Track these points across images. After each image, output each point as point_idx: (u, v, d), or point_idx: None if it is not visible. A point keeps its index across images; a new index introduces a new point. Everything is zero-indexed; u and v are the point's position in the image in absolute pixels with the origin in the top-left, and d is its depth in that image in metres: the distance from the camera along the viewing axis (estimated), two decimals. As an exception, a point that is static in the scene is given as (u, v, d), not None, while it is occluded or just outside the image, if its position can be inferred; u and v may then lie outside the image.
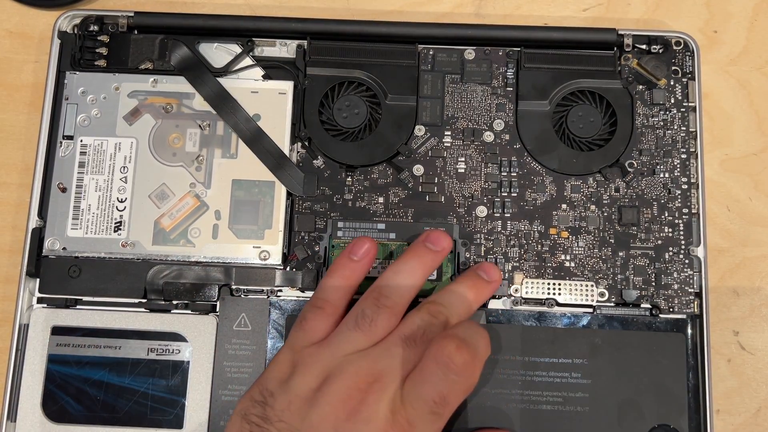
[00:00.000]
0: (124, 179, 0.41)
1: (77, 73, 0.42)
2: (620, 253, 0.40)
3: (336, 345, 0.35)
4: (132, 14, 0.43)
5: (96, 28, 0.43)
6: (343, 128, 0.42)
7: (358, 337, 0.35)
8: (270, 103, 0.42)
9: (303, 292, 0.40)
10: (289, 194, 0.41)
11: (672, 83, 0.42)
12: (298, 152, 0.42)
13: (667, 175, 0.41)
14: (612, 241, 0.41)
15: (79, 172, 0.41)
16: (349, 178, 0.42)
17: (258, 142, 0.41)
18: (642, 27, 0.45)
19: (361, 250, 0.37)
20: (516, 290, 0.40)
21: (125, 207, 0.41)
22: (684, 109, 0.42)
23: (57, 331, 0.39)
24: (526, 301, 0.40)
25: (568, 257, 0.40)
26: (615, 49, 0.42)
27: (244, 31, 0.43)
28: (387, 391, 0.33)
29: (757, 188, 0.43)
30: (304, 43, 0.43)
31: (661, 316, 0.39)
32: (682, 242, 0.40)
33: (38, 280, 0.40)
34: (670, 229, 0.41)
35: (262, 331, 0.39)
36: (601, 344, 0.39)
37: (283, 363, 0.35)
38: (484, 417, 0.38)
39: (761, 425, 0.41)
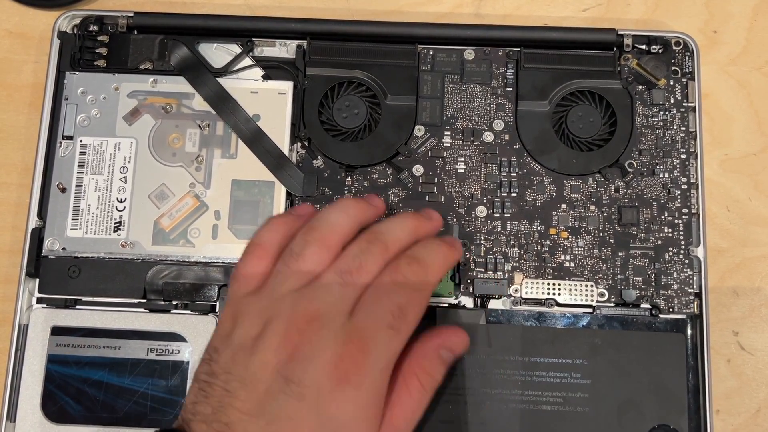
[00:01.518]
0: (123, 179, 0.41)
1: (77, 73, 0.42)
2: (620, 254, 0.40)
3: (271, 289, 0.33)
4: (132, 14, 0.43)
5: (96, 28, 0.43)
6: (342, 128, 0.42)
7: (289, 276, 0.33)
8: (270, 103, 0.42)
9: (303, 292, 0.40)
10: (288, 194, 0.41)
11: (672, 83, 0.42)
12: (297, 152, 0.42)
13: (666, 175, 0.41)
14: (612, 241, 0.41)
15: (78, 172, 0.41)
16: (348, 179, 0.42)
17: (258, 142, 0.41)
18: (642, 27, 0.45)
19: (303, 210, 0.37)
20: (516, 290, 0.40)
21: (125, 207, 0.41)
22: (684, 110, 0.42)
23: (56, 331, 0.39)
24: (526, 301, 0.40)
25: (567, 257, 0.40)
26: (615, 49, 0.42)
27: (243, 31, 0.43)
28: (328, 327, 0.31)
29: (757, 188, 0.43)
30: (304, 43, 0.43)
31: (660, 316, 0.39)
32: (682, 242, 0.40)
33: (38, 280, 0.40)
34: (670, 230, 0.41)
35: (262, 331, 0.39)
36: (600, 344, 0.39)
37: (225, 319, 0.33)
38: (484, 417, 0.38)
39: (761, 425, 0.41)
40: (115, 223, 0.41)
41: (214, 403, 0.31)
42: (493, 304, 0.40)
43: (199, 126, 0.42)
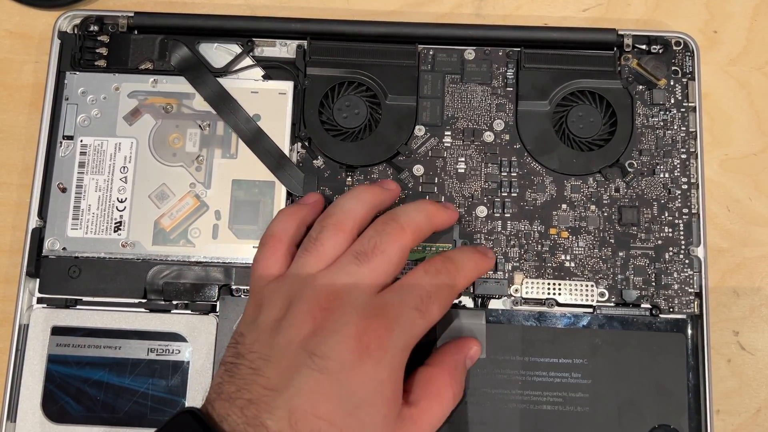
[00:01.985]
0: (124, 179, 0.41)
1: (77, 73, 0.42)
2: (620, 253, 0.40)
3: (292, 274, 0.35)
4: (132, 14, 0.43)
5: (96, 28, 0.43)
6: (343, 128, 0.42)
7: (309, 260, 0.35)
8: (270, 103, 0.42)
9: (303, 292, 0.40)
10: (289, 194, 0.41)
11: (672, 83, 0.42)
12: (298, 152, 0.42)
13: (667, 175, 0.41)
14: (612, 241, 0.41)
15: (79, 172, 0.41)
16: (349, 179, 0.42)
17: (258, 142, 0.41)
18: (642, 27, 0.45)
19: (311, 198, 0.39)
20: (516, 290, 0.40)
21: (125, 207, 0.41)
22: (684, 110, 0.42)
23: (57, 331, 0.39)
24: (526, 301, 0.40)
25: (568, 257, 0.40)
26: (615, 49, 0.42)
27: (243, 31, 0.43)
28: (351, 304, 0.33)
29: (757, 188, 0.43)
30: (304, 43, 0.43)
31: (661, 316, 0.39)
32: (682, 242, 0.40)
33: (38, 280, 0.40)
34: (670, 229, 0.41)
35: (262, 331, 0.39)
36: (601, 344, 0.39)
37: (250, 308, 0.35)
38: (484, 417, 0.38)
39: (761, 425, 0.41)
40: (115, 223, 0.41)
41: (239, 381, 0.32)
42: (494, 304, 0.40)
43: (200, 126, 0.42)
